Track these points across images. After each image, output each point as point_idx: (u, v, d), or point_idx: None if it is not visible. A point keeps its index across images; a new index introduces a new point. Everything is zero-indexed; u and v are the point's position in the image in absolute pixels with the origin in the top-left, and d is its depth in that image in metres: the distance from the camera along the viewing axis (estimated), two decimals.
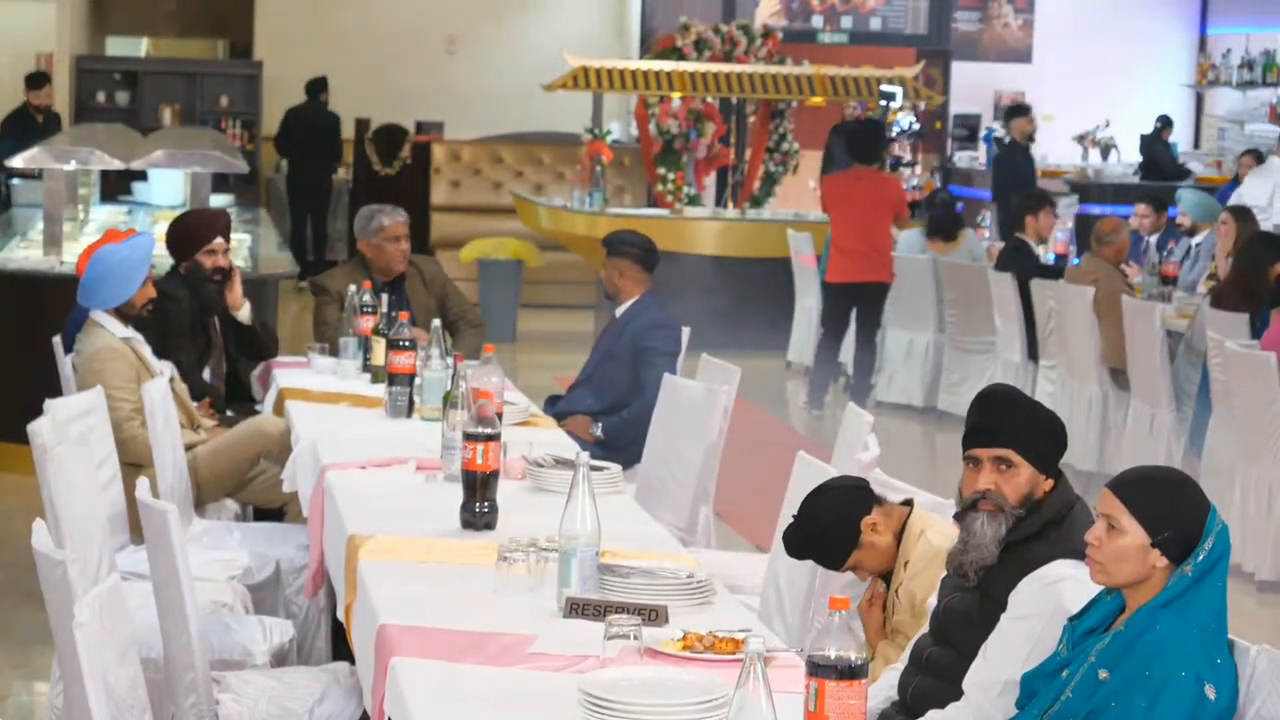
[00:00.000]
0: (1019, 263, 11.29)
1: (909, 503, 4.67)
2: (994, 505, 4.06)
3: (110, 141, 10.93)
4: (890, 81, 15.38)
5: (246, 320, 7.80)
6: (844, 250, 12.12)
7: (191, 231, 7.72)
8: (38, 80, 16.65)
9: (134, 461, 6.31)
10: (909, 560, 4.52)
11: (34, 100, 16.47)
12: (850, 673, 3.11)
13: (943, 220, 12.59)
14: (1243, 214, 10.77)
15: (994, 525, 4.07)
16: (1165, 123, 17.74)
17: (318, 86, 17.98)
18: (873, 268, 12.11)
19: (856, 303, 12.25)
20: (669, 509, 6.26)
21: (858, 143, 12.73)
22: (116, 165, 10.10)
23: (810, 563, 4.98)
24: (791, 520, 4.68)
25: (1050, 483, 4.08)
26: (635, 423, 7.10)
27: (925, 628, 4.28)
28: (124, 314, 6.75)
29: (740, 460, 8.33)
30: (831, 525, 4.59)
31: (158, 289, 7.00)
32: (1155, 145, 17.63)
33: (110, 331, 6.68)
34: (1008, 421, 4.09)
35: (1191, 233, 12.08)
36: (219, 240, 7.65)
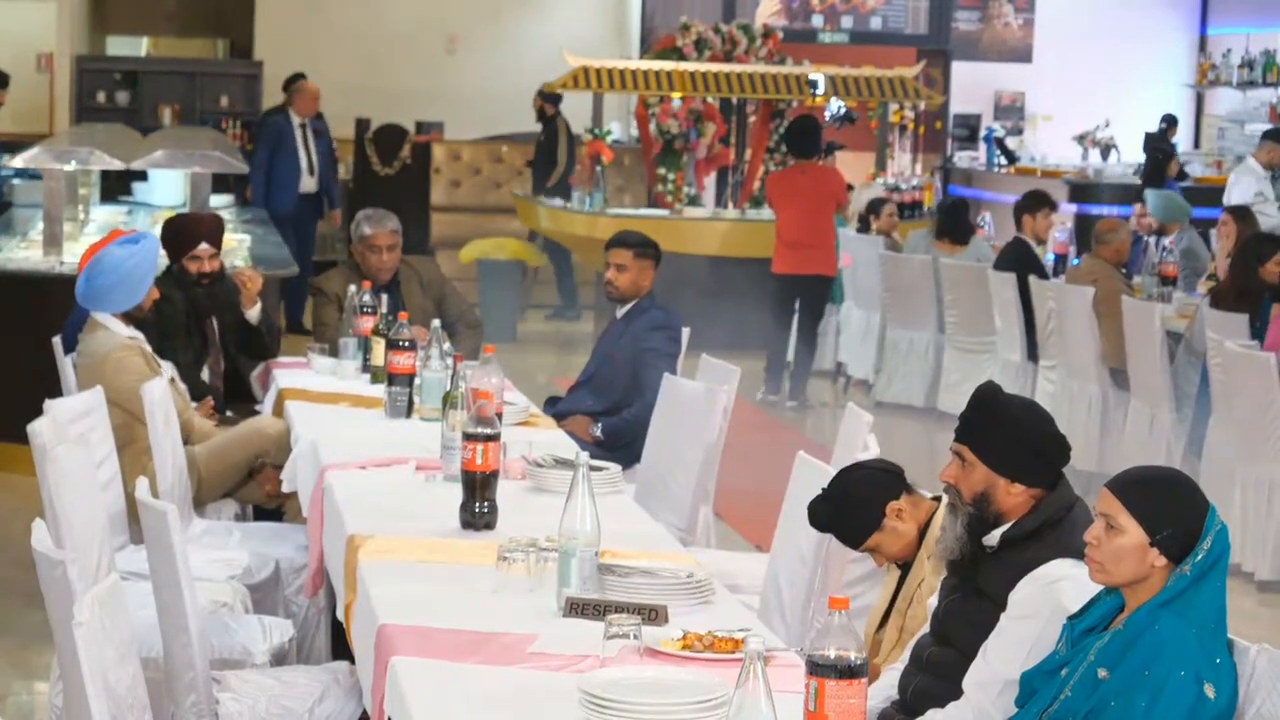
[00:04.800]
0: (1020, 263, 11.29)
1: (940, 499, 4.66)
2: (952, 499, 4.11)
3: (110, 141, 10.92)
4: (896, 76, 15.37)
5: (254, 320, 7.80)
6: (789, 243, 12.59)
7: (177, 236, 7.72)
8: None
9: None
10: (930, 555, 4.52)
11: None
12: (850, 672, 3.12)
13: (953, 222, 12.60)
14: (1243, 214, 10.77)
15: (953, 519, 4.11)
16: (1170, 122, 17.74)
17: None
18: (815, 260, 12.56)
19: (799, 295, 12.61)
20: (669, 509, 6.26)
21: (795, 138, 13.01)
22: (116, 165, 10.10)
23: (810, 563, 4.99)
24: (821, 491, 4.68)
25: (1020, 489, 4.07)
26: (635, 423, 7.10)
27: (925, 628, 4.29)
28: (129, 314, 6.75)
29: (740, 460, 8.33)
30: (858, 502, 4.59)
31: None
32: (1159, 144, 17.61)
33: (117, 332, 6.68)
34: (972, 419, 4.12)
35: (1161, 233, 12.13)
36: (204, 246, 7.62)
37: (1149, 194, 12.96)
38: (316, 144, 15.21)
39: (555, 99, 16.68)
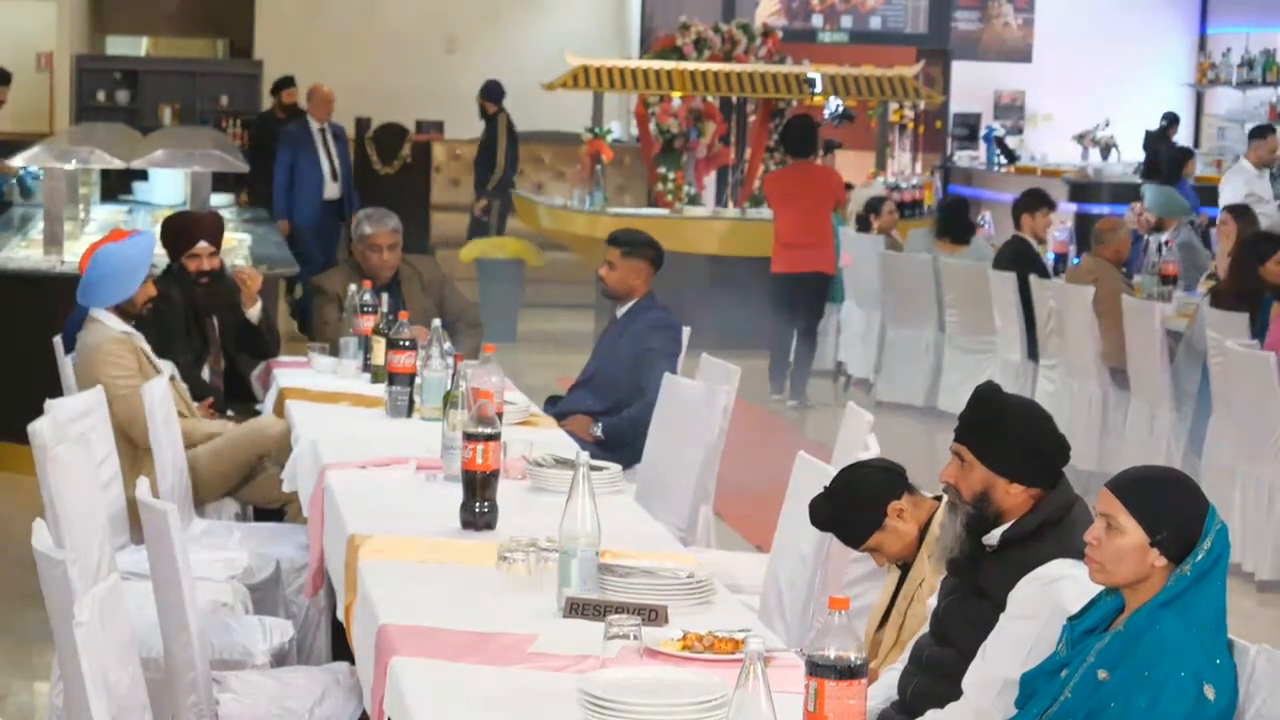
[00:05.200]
0: (1020, 261, 11.30)
1: (941, 498, 4.66)
2: (952, 499, 4.11)
3: (110, 141, 10.92)
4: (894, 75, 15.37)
5: (255, 319, 7.80)
6: (786, 243, 12.64)
7: (176, 234, 7.72)
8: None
9: (131, 437, 6.33)
10: (931, 555, 4.52)
11: None
12: (850, 672, 3.12)
13: (954, 222, 12.60)
14: (1242, 213, 10.76)
15: (952, 519, 4.12)
16: (1171, 120, 17.75)
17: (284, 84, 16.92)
18: (813, 259, 12.60)
19: (799, 293, 12.63)
20: (669, 509, 6.26)
21: (792, 138, 13.09)
22: (117, 165, 10.10)
23: (810, 563, 4.99)
24: (823, 490, 4.68)
25: (1019, 488, 4.08)
26: (635, 423, 7.10)
27: (925, 628, 4.28)
28: (125, 312, 6.77)
29: (740, 460, 8.32)
30: (859, 501, 4.59)
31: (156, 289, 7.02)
32: (1159, 143, 17.64)
33: (110, 328, 6.70)
34: (971, 419, 4.13)
35: (1158, 229, 12.14)
36: (203, 244, 7.63)
37: (1148, 189, 12.97)
38: (337, 148, 14.90)
39: (497, 96, 16.45)
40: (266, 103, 17.93)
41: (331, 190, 14.77)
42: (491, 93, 16.49)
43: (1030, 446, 4.09)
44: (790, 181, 12.80)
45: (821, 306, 12.96)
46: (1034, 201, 11.72)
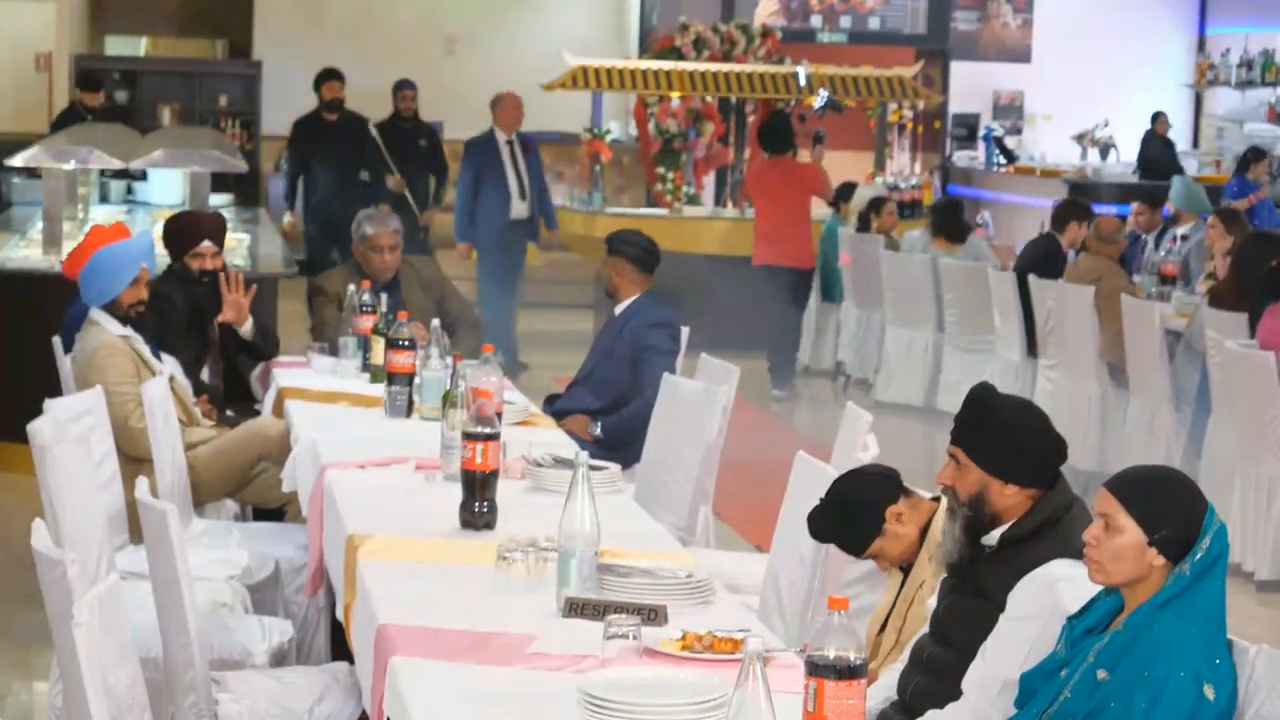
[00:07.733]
0: (1047, 260, 11.26)
1: (939, 499, 4.66)
2: (950, 502, 4.11)
3: (110, 141, 10.92)
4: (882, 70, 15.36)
5: (248, 335, 7.75)
6: (762, 236, 12.90)
7: (180, 233, 7.72)
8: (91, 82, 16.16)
9: (137, 456, 6.31)
10: (931, 557, 4.52)
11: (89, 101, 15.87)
12: (849, 673, 3.12)
13: (948, 221, 12.63)
14: (1230, 216, 10.81)
15: (951, 523, 4.12)
16: (1154, 117, 17.76)
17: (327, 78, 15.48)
18: (789, 252, 12.81)
19: (780, 286, 12.81)
20: (669, 509, 6.26)
21: (766, 136, 13.23)
22: (116, 165, 10.10)
23: (810, 563, 4.99)
24: (819, 501, 4.68)
25: (1015, 489, 4.07)
26: (634, 422, 7.10)
27: (925, 628, 4.28)
28: (118, 313, 6.76)
29: (740, 460, 8.32)
30: (857, 510, 4.59)
31: (155, 289, 7.00)
32: (1151, 141, 17.64)
33: (108, 330, 6.69)
34: (965, 421, 4.13)
35: (1175, 221, 12.16)
36: (206, 244, 7.63)
37: (1175, 180, 12.93)
38: (526, 162, 13.49)
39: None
40: (266, 102, 17.92)
41: (519, 209, 13.29)
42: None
43: (1025, 447, 4.09)
44: (766, 177, 12.98)
45: (801, 300, 13.12)
46: (1082, 211, 11.66)
